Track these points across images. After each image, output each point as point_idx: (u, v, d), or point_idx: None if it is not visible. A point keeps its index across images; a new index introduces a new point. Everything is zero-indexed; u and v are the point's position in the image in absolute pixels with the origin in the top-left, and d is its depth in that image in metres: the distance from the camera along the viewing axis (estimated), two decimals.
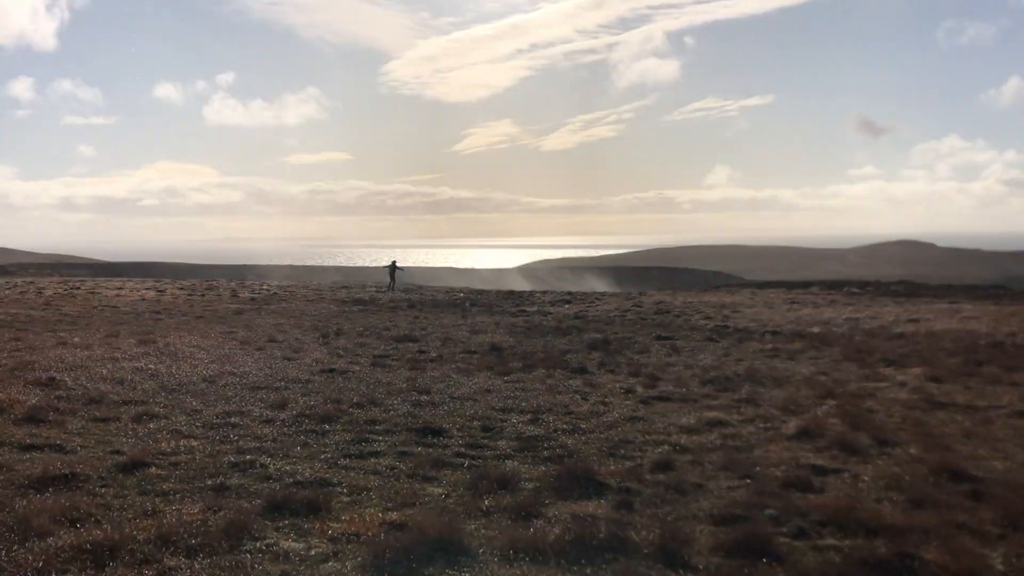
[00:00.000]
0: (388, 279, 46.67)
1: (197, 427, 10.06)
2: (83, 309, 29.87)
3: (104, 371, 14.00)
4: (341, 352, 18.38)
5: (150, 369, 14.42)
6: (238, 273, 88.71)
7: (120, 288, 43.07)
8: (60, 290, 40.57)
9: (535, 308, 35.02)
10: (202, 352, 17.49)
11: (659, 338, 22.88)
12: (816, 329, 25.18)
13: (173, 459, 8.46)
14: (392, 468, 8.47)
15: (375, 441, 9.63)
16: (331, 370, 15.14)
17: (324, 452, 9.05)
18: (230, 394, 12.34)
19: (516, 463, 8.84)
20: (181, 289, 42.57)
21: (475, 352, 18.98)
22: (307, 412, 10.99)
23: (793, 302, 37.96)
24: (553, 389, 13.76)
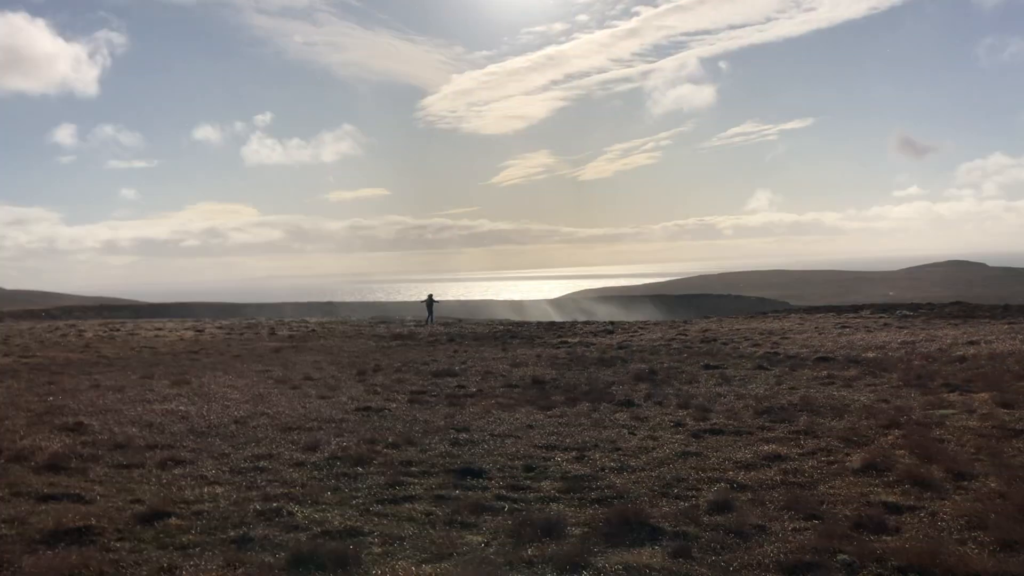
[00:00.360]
0: (426, 313, 46.71)
1: (224, 472, 9.56)
2: (121, 351, 29.79)
3: (133, 414, 13.63)
4: (378, 389, 17.88)
5: (180, 411, 14.01)
6: (278, 312, 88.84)
7: (160, 329, 43.09)
8: (100, 332, 40.68)
9: (577, 339, 34.31)
10: (236, 392, 17.09)
11: (707, 367, 22.07)
12: (871, 354, 24.15)
13: (196, 508, 7.95)
14: (428, 514, 7.87)
15: (410, 484, 9.05)
16: (367, 408, 14.63)
17: (356, 497, 8.49)
18: (260, 436, 11.86)
19: (561, 506, 8.19)
20: (220, 328, 42.48)
21: (516, 386, 18.36)
22: (340, 454, 10.46)
23: (844, 327, 36.75)
24: (599, 424, 13.08)
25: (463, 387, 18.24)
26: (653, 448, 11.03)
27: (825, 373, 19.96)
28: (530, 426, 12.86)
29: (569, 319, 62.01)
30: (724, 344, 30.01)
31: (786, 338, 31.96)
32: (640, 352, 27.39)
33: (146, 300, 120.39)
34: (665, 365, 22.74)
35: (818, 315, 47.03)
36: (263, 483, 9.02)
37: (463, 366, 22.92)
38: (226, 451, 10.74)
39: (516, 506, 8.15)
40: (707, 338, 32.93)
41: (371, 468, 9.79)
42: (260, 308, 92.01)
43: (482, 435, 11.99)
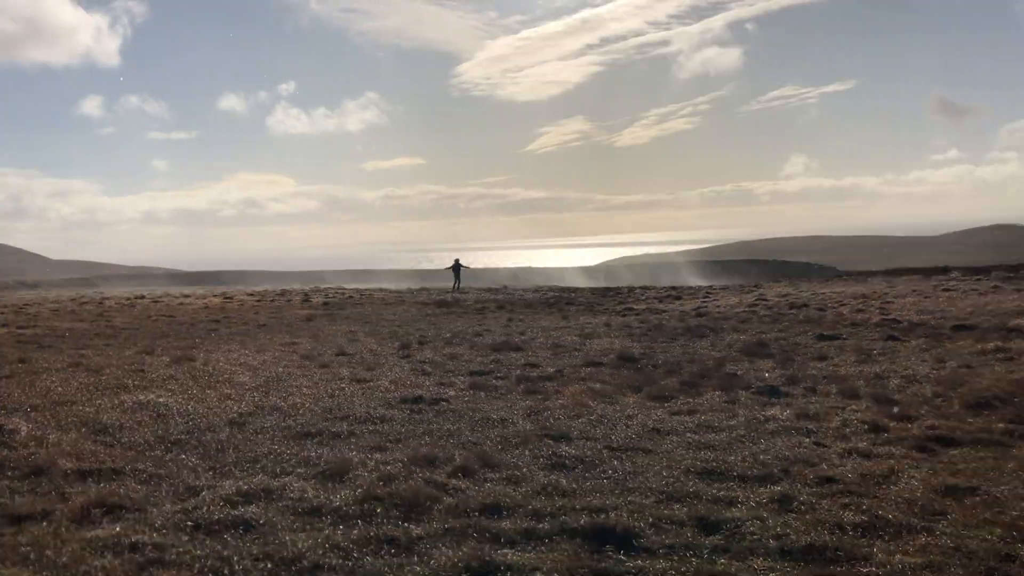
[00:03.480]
0: (454, 278, 44.14)
1: (179, 534, 5.54)
2: (135, 320, 26.37)
3: (90, 410, 9.71)
4: (427, 368, 13.91)
5: (160, 404, 10.08)
6: (315, 279, 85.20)
7: (187, 296, 40.05)
8: (123, 300, 37.68)
9: (643, 305, 30.16)
10: (247, 373, 13.24)
11: (822, 338, 17.87)
12: (1021, 322, 19.68)
13: None
14: None
15: (508, 569, 4.95)
16: (417, 400, 10.57)
17: None
18: (262, 450, 7.85)
19: None
20: (250, 296, 39.14)
21: (601, 364, 14.29)
22: (379, 489, 6.36)
23: (945, 290, 32.20)
24: (755, 426, 8.91)
25: (534, 365, 14.22)
26: (885, 476, 6.80)
27: (992, 346, 15.59)
28: (656, 430, 8.73)
29: (617, 285, 57.56)
30: (820, 310, 25.67)
31: (889, 303, 27.47)
32: (725, 320, 23.17)
33: (186, 269, 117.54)
34: (769, 336, 18.54)
35: (903, 277, 42.52)
36: (241, 566, 5.00)
37: (523, 338, 18.92)
38: (198, 482, 6.73)
39: None
40: (794, 303, 28.55)
41: (432, 524, 5.69)
42: (299, 276, 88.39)
43: (594, 449, 7.86)
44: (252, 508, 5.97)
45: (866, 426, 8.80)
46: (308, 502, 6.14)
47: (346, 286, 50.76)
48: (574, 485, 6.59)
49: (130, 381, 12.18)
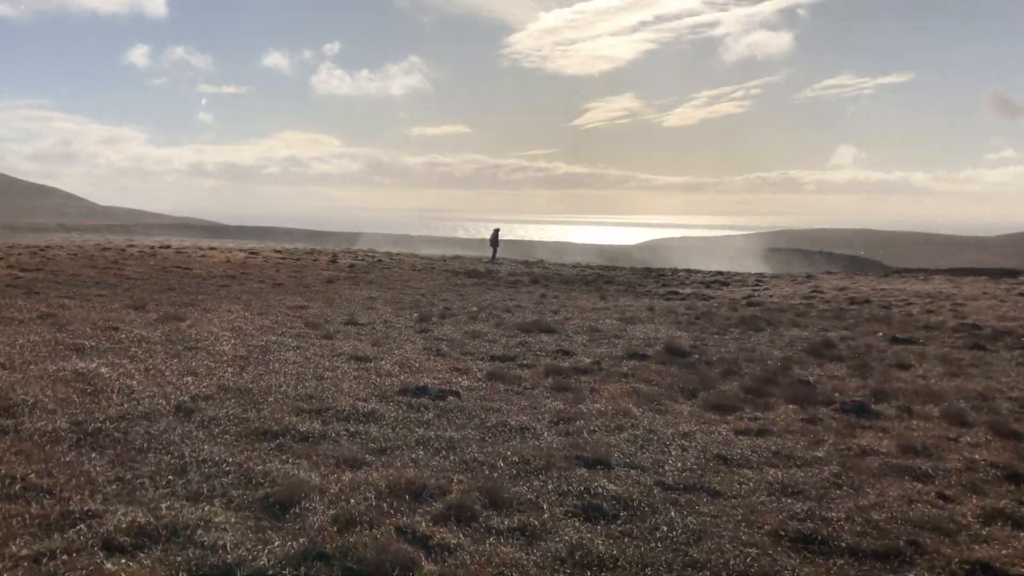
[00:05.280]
0: (492, 248, 42.52)
1: None
2: (148, 270, 24.94)
3: (16, 378, 7.86)
4: (443, 347, 11.98)
5: (102, 376, 8.19)
6: (353, 240, 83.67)
7: (213, 249, 38.69)
8: (145, 249, 36.45)
9: (689, 290, 27.95)
10: (233, 341, 11.40)
11: (896, 340, 15.62)
12: None
13: None
14: None
15: None
16: (419, 390, 8.59)
17: None
18: (197, 454, 5.90)
19: None
20: (277, 252, 37.64)
21: (644, 356, 12.21)
22: (329, 541, 4.35)
23: (1022, 294, 29.57)
24: (852, 461, 6.78)
25: (567, 353, 12.21)
26: None
27: None
28: (722, 458, 6.66)
29: (659, 266, 55.19)
30: (884, 308, 23.27)
31: (960, 304, 24.93)
32: (781, 312, 20.94)
33: (227, 223, 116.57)
34: (834, 335, 16.31)
35: (968, 278, 39.72)
36: None
37: (556, 318, 16.92)
38: (84, 505, 4.78)
39: None
40: (854, 299, 26.14)
41: None
42: (334, 236, 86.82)
43: (643, 486, 5.75)
44: (139, 560, 4.02)
45: (998, 471, 6.66)
46: (221, 556, 4.17)
47: (378, 249, 49.17)
48: (614, 551, 4.54)
49: (90, 342, 10.36)
